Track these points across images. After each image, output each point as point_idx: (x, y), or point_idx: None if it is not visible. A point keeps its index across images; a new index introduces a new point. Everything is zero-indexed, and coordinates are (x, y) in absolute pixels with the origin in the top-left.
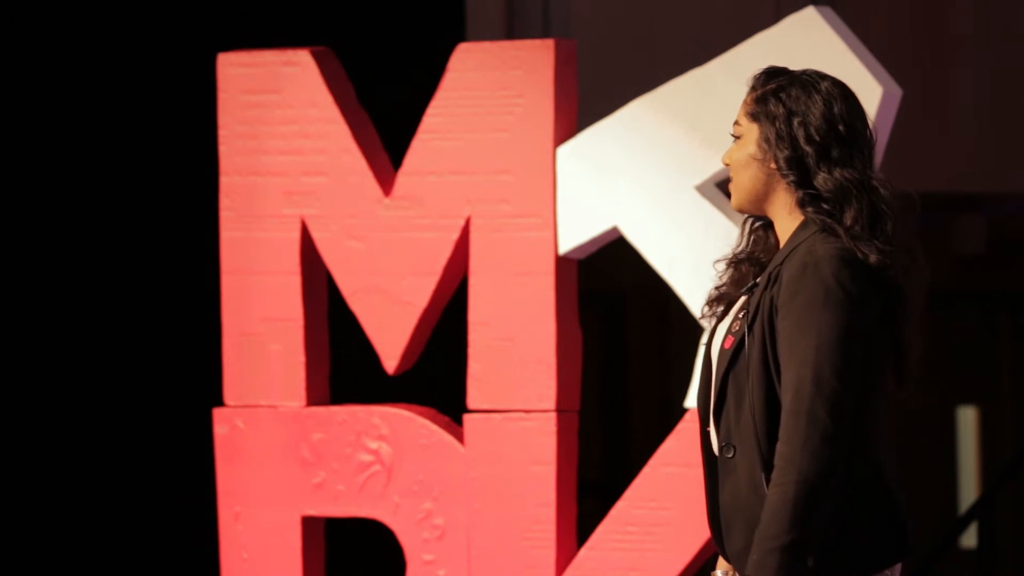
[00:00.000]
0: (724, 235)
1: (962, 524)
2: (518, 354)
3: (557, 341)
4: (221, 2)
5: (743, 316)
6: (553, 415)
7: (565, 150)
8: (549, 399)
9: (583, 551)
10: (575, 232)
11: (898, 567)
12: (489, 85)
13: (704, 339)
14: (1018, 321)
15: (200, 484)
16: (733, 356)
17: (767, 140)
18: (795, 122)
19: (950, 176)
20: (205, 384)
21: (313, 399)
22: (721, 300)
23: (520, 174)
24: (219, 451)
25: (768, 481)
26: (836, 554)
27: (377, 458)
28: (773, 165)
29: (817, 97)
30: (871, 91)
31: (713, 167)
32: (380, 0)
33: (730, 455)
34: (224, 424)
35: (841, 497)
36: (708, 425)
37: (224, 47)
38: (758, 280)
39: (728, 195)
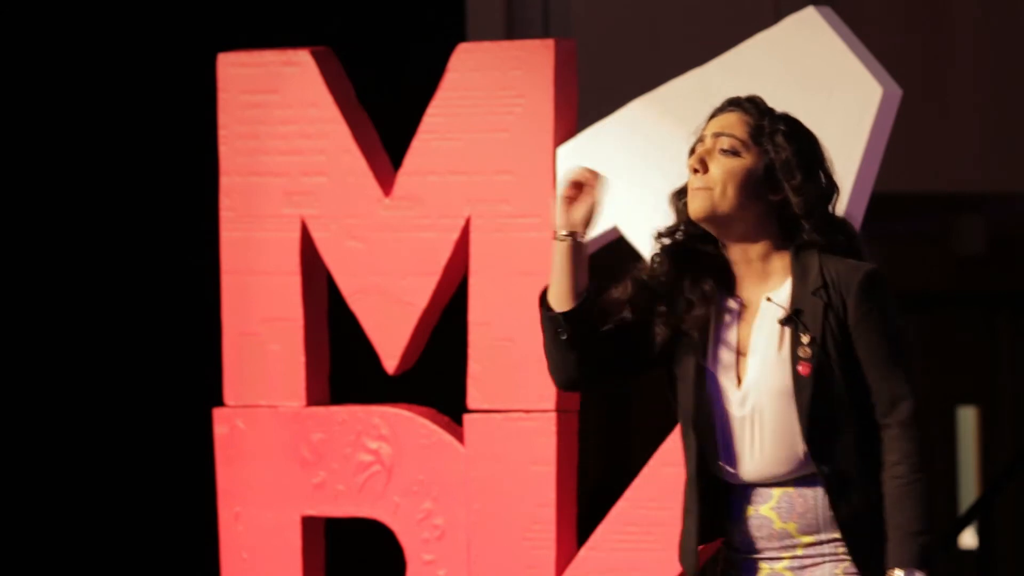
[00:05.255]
0: None
1: (962, 524)
2: (518, 354)
3: None
4: (221, 2)
5: (810, 343)
6: (553, 415)
7: (565, 150)
8: (549, 399)
9: (583, 551)
10: None
11: None
12: (489, 85)
13: (685, 372)
14: (1018, 321)
15: (200, 484)
16: (817, 382)
17: (777, 167)
18: (808, 163)
19: (950, 176)
20: (205, 384)
21: (313, 399)
22: (701, 322)
23: (520, 174)
24: (219, 451)
25: (869, 488)
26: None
27: (377, 458)
28: (775, 194)
29: (814, 136)
30: (871, 91)
31: None
32: (380, 0)
33: (839, 472)
34: (224, 424)
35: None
36: (720, 459)
37: (224, 47)
38: (777, 307)
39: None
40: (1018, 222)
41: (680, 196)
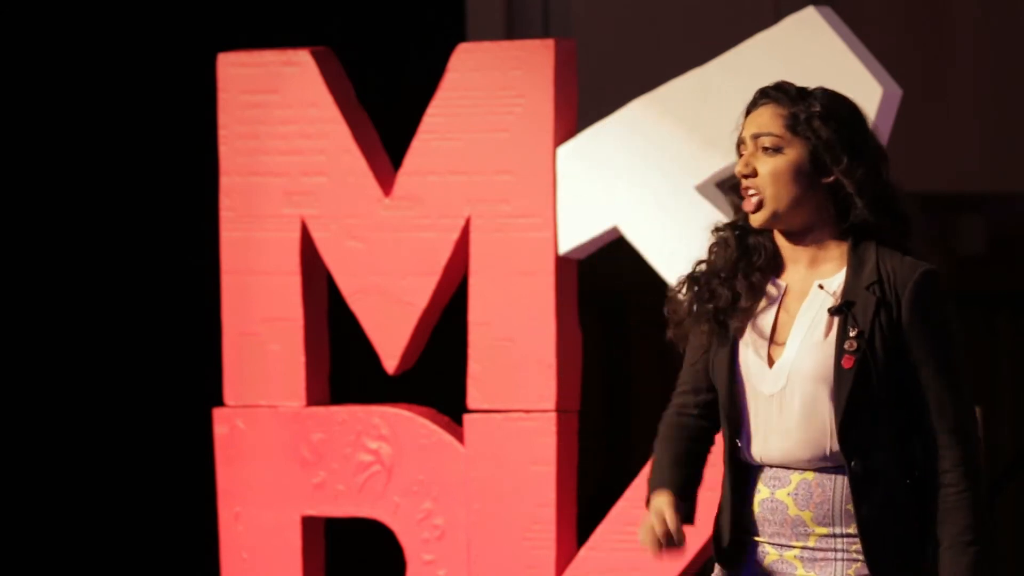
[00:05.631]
0: None
1: None
2: (518, 354)
3: (557, 341)
4: (221, 2)
5: (857, 336)
6: (553, 415)
7: (565, 150)
8: (549, 399)
9: (583, 551)
10: (575, 232)
11: None
12: (489, 85)
13: (721, 354)
14: (1018, 321)
15: (200, 484)
16: (859, 377)
17: (821, 152)
18: (850, 138)
19: (950, 176)
20: (205, 384)
21: (313, 399)
22: (746, 313)
23: (520, 174)
24: (219, 451)
25: (895, 490)
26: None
27: (377, 458)
28: (827, 176)
29: (850, 103)
30: (871, 91)
31: (713, 167)
32: (380, 0)
33: (868, 470)
34: (224, 424)
35: None
36: (740, 439)
37: (224, 47)
38: (829, 296)
39: (727, 195)
40: (1018, 222)
41: (735, 190)
